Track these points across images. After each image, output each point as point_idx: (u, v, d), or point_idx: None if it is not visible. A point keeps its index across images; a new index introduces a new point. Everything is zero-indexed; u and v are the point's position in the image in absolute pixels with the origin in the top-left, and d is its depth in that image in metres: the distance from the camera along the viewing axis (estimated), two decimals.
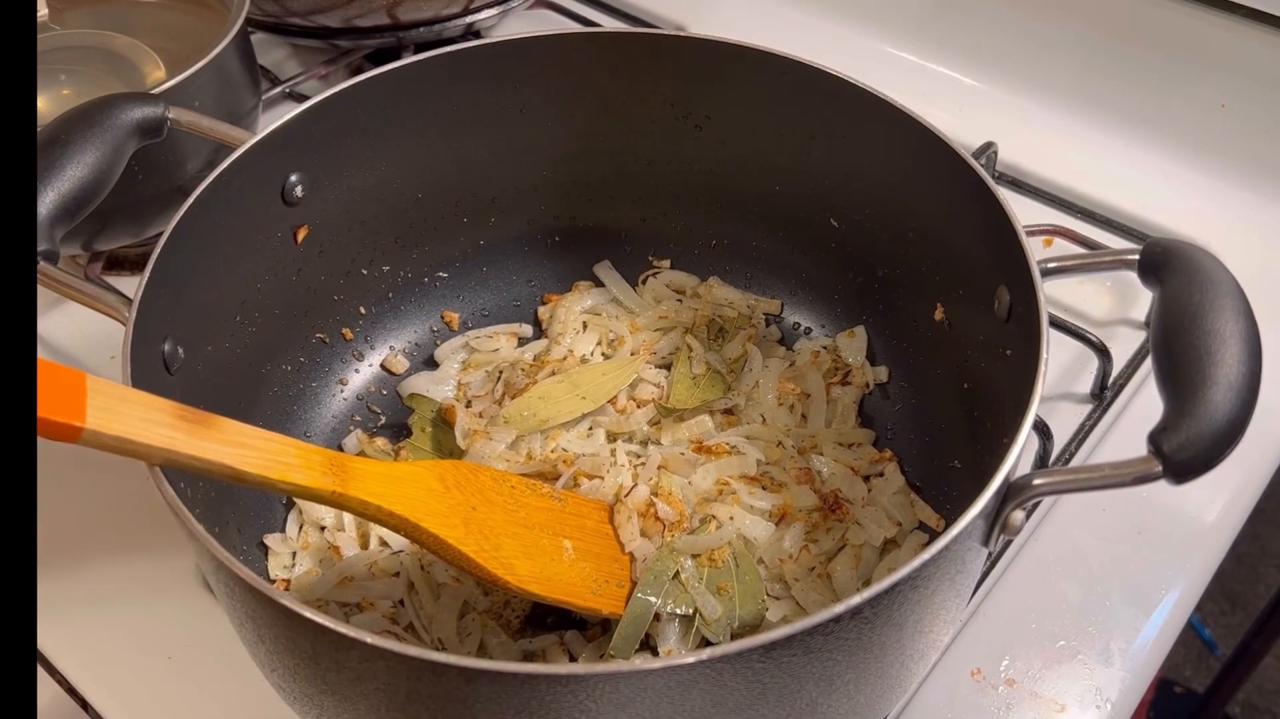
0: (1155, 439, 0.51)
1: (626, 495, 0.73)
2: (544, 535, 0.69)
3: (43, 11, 0.98)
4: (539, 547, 0.68)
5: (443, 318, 0.88)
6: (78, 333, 0.92)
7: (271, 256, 0.75)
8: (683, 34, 0.78)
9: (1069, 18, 1.07)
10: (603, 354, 0.85)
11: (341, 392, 0.83)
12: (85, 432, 0.48)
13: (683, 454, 0.77)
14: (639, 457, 0.78)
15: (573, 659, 0.68)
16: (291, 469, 0.56)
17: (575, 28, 1.09)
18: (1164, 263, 0.57)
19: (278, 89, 1.09)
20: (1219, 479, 0.58)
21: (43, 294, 0.87)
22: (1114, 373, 0.84)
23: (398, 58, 0.77)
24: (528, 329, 0.88)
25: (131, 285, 0.61)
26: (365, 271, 0.83)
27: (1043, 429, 0.79)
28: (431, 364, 0.86)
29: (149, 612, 0.74)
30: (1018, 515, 0.53)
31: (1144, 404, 0.83)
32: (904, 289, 0.79)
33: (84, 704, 0.71)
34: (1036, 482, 0.52)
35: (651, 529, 0.72)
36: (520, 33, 0.78)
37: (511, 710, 0.46)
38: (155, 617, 0.74)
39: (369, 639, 0.45)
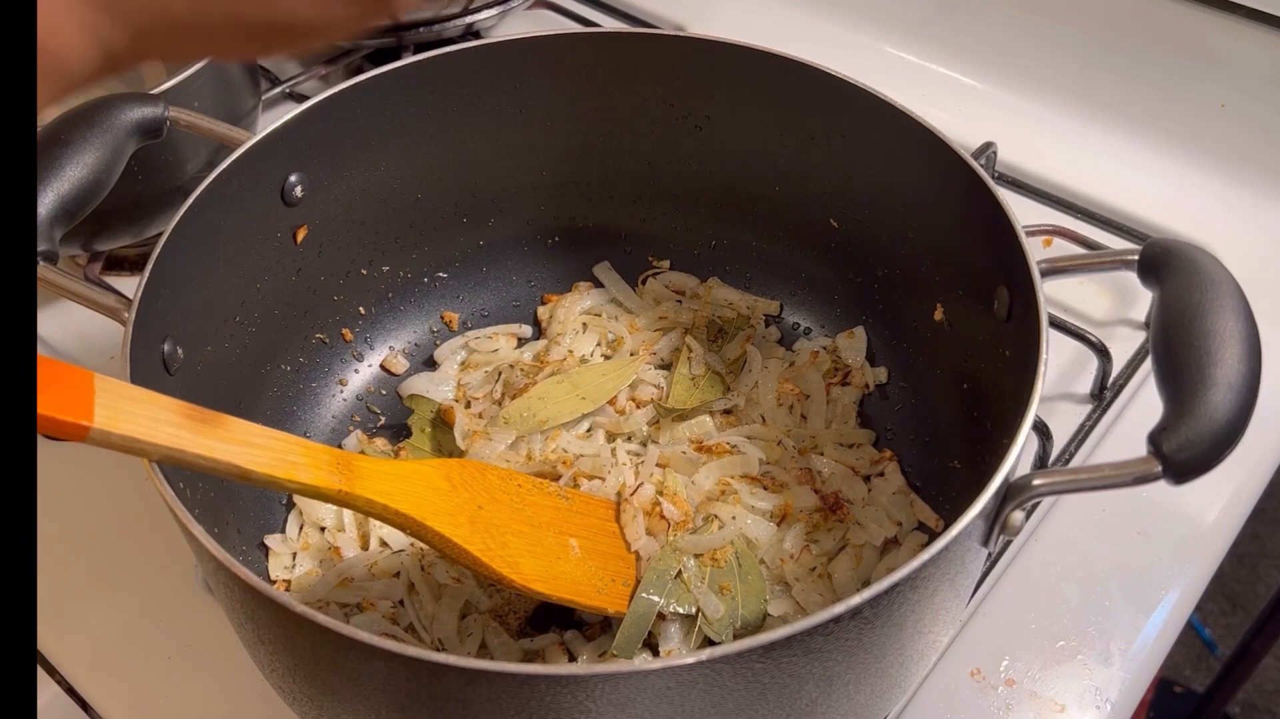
0: (1155, 439, 0.51)
1: (632, 494, 0.73)
2: (550, 534, 0.69)
3: None
4: (545, 545, 0.68)
5: (442, 318, 0.88)
6: (77, 333, 0.92)
7: (271, 257, 0.75)
8: (682, 34, 0.78)
9: (1069, 17, 1.07)
10: (602, 355, 0.85)
11: (341, 392, 0.83)
12: (93, 430, 0.48)
13: (684, 453, 0.77)
14: (639, 457, 0.78)
15: (573, 659, 0.68)
16: (298, 468, 0.55)
17: (575, 28, 1.09)
18: (1164, 263, 0.57)
19: (277, 89, 1.09)
20: (1219, 479, 0.58)
21: (42, 294, 0.87)
22: (1114, 373, 0.84)
23: (397, 58, 0.77)
24: (527, 329, 0.88)
25: (131, 286, 0.61)
26: (365, 272, 0.83)
27: (1042, 429, 0.79)
28: (431, 364, 0.86)
29: (149, 612, 0.74)
30: (1017, 516, 0.53)
31: (1144, 404, 0.83)
32: (904, 289, 0.79)
33: (84, 704, 0.71)
34: (1036, 482, 0.52)
35: (657, 528, 0.72)
36: (520, 33, 0.78)
37: (511, 711, 0.46)
38: (155, 617, 0.74)
39: (369, 639, 0.45)
